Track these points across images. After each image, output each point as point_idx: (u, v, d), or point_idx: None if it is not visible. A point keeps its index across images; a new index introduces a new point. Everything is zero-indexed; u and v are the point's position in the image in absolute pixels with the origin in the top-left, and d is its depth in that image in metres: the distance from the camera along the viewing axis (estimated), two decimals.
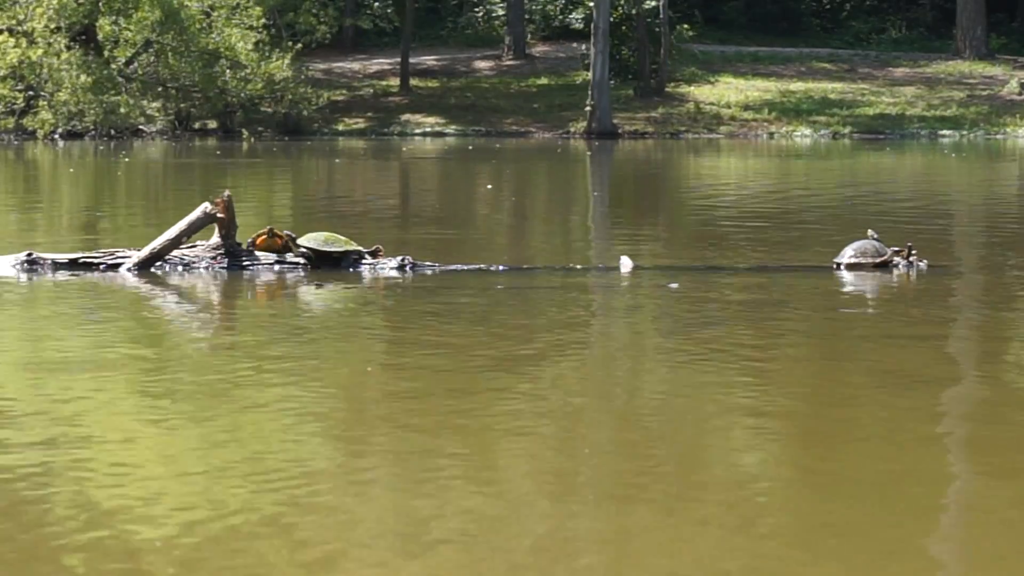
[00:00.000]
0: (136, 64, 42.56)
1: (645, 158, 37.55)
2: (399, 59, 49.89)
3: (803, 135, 44.42)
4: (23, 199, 24.11)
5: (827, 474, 6.84)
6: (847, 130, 44.60)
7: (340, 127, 45.85)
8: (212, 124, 44.10)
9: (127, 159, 34.66)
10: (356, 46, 54.44)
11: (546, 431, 7.58)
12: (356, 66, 52.48)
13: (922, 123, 45.31)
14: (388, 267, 13.34)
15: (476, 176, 30.41)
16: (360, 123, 46.36)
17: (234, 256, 13.38)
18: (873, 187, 27.94)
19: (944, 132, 44.63)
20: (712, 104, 46.84)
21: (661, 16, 47.97)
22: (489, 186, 26.46)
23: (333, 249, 13.36)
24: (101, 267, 13.30)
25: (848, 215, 20.85)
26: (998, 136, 44.03)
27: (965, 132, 44.43)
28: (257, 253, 13.40)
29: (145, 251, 13.36)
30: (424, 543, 5.81)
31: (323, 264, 13.31)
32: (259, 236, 13.39)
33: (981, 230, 19.12)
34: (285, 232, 13.48)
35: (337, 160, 36.10)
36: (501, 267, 13.46)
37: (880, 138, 43.80)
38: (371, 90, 49.64)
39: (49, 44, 39.97)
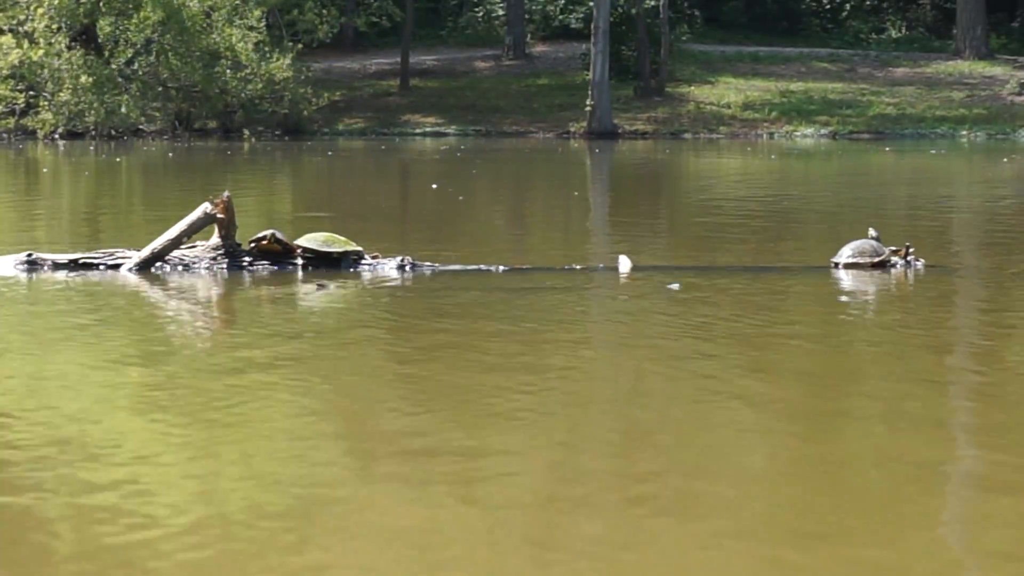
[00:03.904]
0: (137, 64, 42.57)
1: (644, 158, 37.56)
2: (399, 59, 49.92)
3: (803, 135, 44.44)
4: (23, 199, 24.14)
5: (827, 475, 6.87)
6: (847, 130, 44.62)
7: (340, 127, 45.88)
8: (212, 124, 44.13)
9: (118, 159, 34.68)
10: (356, 46, 54.45)
11: (546, 431, 7.60)
12: (356, 66, 52.50)
13: (922, 123, 45.33)
14: (387, 267, 13.37)
15: (461, 177, 30.43)
16: (360, 123, 46.38)
17: (234, 256, 13.41)
18: (872, 187, 27.96)
19: (944, 132, 44.64)
20: (712, 104, 46.86)
21: (661, 16, 47.98)
22: (434, 185, 26.43)
23: (332, 249, 13.39)
24: (101, 267, 13.34)
25: (847, 215, 20.88)
26: (998, 136, 44.03)
27: (965, 132, 44.44)
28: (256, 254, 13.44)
29: (145, 251, 13.39)
30: (424, 541, 5.84)
31: (322, 264, 13.34)
32: (261, 239, 13.39)
33: (979, 230, 19.14)
34: (295, 242, 13.44)
35: (324, 155, 36.15)
36: (500, 268, 13.48)
37: (880, 138, 43.82)
38: (371, 90, 49.65)
39: (50, 44, 39.98)
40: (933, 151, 38.74)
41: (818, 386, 8.87)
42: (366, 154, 38.87)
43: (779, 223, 19.60)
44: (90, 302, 11.86)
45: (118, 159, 34.66)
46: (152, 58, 42.63)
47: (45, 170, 31.01)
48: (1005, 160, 35.38)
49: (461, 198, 24.25)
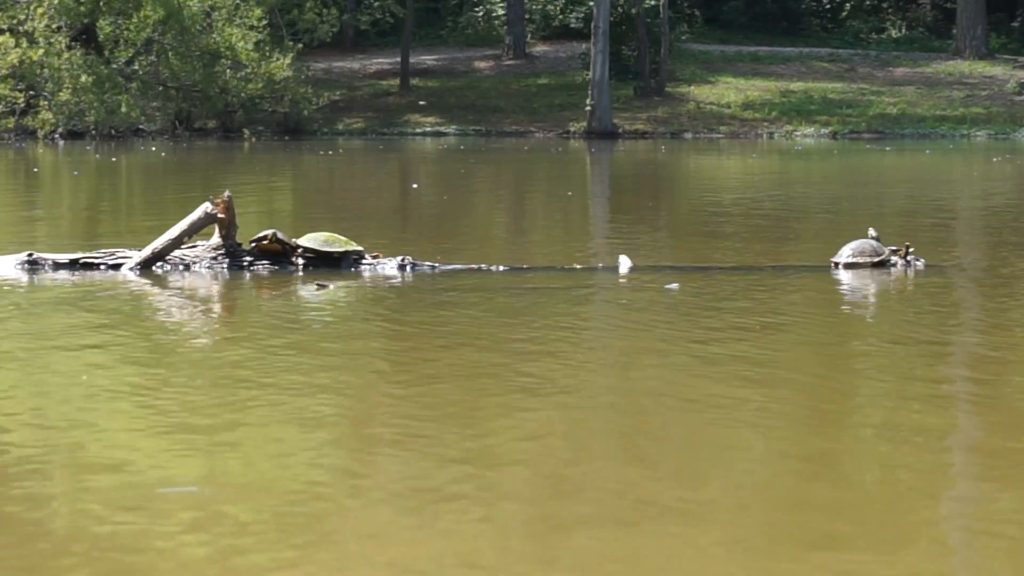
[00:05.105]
0: (137, 64, 42.57)
1: (644, 158, 37.56)
2: (399, 59, 49.90)
3: (804, 135, 44.45)
4: (23, 199, 24.14)
5: (827, 478, 6.88)
6: (847, 130, 44.63)
7: (340, 127, 45.87)
8: (212, 124, 44.14)
9: (113, 159, 34.68)
10: (356, 46, 54.44)
11: (545, 433, 7.61)
12: (356, 66, 52.49)
13: (922, 123, 45.34)
14: (388, 267, 13.39)
15: (456, 177, 30.44)
16: (360, 123, 46.38)
17: (234, 256, 13.42)
18: (872, 186, 27.97)
19: (944, 132, 44.66)
20: (712, 104, 46.86)
21: (661, 16, 47.99)
22: (415, 185, 26.49)
23: (333, 249, 13.40)
24: (102, 267, 13.35)
25: (847, 214, 20.89)
26: (998, 136, 44.05)
27: (965, 132, 44.46)
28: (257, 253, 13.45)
29: (146, 251, 13.40)
30: (422, 544, 5.85)
31: (323, 264, 13.35)
32: (262, 239, 13.39)
33: (979, 229, 19.15)
34: (293, 240, 13.44)
35: (323, 155, 36.19)
36: (501, 267, 13.50)
37: (880, 138, 43.83)
38: (371, 90, 49.65)
39: (50, 44, 39.97)
40: (932, 151, 38.74)
41: (818, 386, 8.88)
42: (365, 154, 38.89)
43: (779, 223, 19.60)
44: (91, 302, 11.87)
45: (113, 159, 34.65)
46: (152, 58, 42.62)
47: (36, 169, 30.98)
48: (996, 159, 35.39)
49: (445, 197, 24.28)
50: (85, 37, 41.79)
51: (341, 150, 39.17)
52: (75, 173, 30.33)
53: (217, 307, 12.24)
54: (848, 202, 23.59)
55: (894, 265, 13.45)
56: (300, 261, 13.39)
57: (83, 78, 39.72)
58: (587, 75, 45.21)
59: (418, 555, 5.66)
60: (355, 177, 31.09)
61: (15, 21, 40.58)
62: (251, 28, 42.70)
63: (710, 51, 52.61)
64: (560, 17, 54.83)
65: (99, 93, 40.09)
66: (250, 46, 42.35)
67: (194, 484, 6.56)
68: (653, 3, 48.84)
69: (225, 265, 13.36)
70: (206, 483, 6.59)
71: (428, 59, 52.65)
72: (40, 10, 40.19)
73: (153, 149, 37.91)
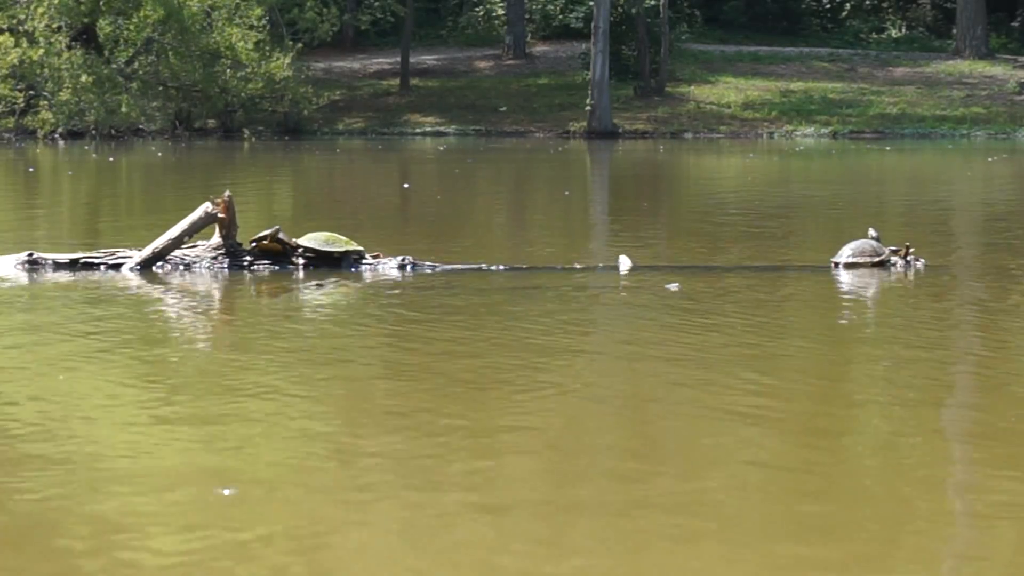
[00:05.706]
0: (137, 64, 42.57)
1: (644, 158, 37.56)
2: (399, 59, 49.91)
3: (804, 135, 44.45)
4: (23, 199, 24.15)
5: (826, 479, 6.89)
6: (847, 130, 44.64)
7: (340, 127, 45.87)
8: (212, 124, 44.13)
9: (110, 159, 34.68)
10: (356, 46, 54.43)
11: (545, 432, 7.61)
12: (356, 66, 52.49)
13: (922, 123, 45.34)
14: (388, 267, 13.39)
15: (452, 178, 30.43)
16: (360, 123, 46.38)
17: (235, 256, 13.42)
18: (872, 186, 27.98)
19: (944, 132, 44.66)
20: (712, 104, 46.86)
21: (661, 16, 48.00)
22: (406, 185, 26.52)
23: (333, 249, 13.41)
24: (102, 267, 13.35)
25: (847, 214, 20.89)
26: (998, 136, 44.06)
27: (965, 132, 44.46)
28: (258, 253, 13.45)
29: (147, 251, 13.41)
30: (423, 543, 5.85)
31: (324, 264, 13.36)
32: (263, 239, 13.39)
33: (979, 230, 19.15)
34: (293, 240, 13.45)
35: (323, 155, 36.21)
36: (500, 267, 13.50)
37: (880, 137, 43.84)
38: (371, 90, 49.66)
39: (50, 44, 39.97)
40: (938, 151, 38.73)
41: (818, 387, 8.88)
42: (365, 154, 38.89)
43: (779, 223, 19.60)
44: (91, 302, 11.87)
45: (111, 159, 34.65)
46: (152, 57, 42.61)
47: (31, 169, 30.97)
48: (992, 159, 35.38)
49: (439, 198, 24.28)
50: (85, 37, 41.78)
51: (339, 150, 39.19)
52: (69, 173, 30.31)
53: (217, 307, 12.25)
54: (848, 202, 23.59)
55: (894, 265, 13.46)
56: (300, 261, 13.40)
57: (83, 78, 39.71)
58: (587, 75, 45.21)
59: (419, 555, 5.67)
60: (355, 177, 31.11)
61: (15, 21, 40.57)
62: (251, 28, 42.68)
63: (710, 51, 52.60)
64: (560, 17, 54.82)
65: (99, 93, 40.09)
66: (250, 46, 42.33)
67: (193, 484, 6.57)
68: (653, 3, 48.85)
69: (225, 265, 13.36)
70: (205, 482, 6.60)
71: (428, 59, 52.64)
72: (40, 10, 40.18)
73: (153, 149, 37.91)
